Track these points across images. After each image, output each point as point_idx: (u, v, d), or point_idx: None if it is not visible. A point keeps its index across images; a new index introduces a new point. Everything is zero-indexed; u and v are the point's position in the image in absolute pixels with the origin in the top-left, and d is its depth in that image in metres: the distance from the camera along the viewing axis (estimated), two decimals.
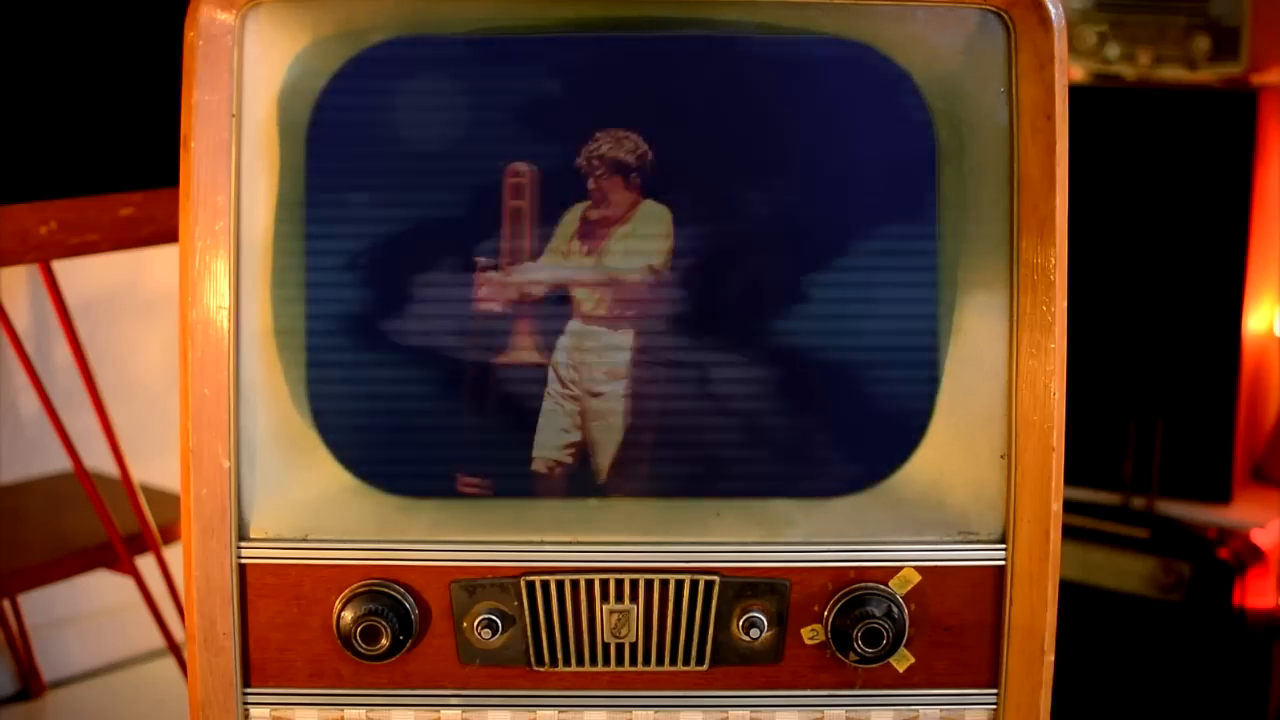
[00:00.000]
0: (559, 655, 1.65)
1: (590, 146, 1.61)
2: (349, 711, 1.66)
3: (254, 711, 1.66)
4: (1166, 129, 3.15)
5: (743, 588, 1.64)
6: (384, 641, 1.62)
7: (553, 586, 1.64)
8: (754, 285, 1.63)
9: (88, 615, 3.49)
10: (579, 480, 1.64)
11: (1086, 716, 3.13)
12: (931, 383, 1.64)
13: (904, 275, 1.64)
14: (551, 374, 1.63)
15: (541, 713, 1.67)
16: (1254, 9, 3.10)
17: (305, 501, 1.64)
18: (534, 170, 1.62)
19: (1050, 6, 1.59)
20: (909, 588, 1.65)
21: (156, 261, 3.45)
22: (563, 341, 1.63)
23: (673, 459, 1.64)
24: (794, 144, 1.63)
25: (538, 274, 1.62)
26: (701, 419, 1.64)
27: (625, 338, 1.63)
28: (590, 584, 1.64)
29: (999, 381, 1.63)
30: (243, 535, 1.63)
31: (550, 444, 1.64)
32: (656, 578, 1.64)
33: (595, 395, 1.63)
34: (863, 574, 1.65)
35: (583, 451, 1.64)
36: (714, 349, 1.64)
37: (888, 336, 1.64)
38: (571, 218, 1.63)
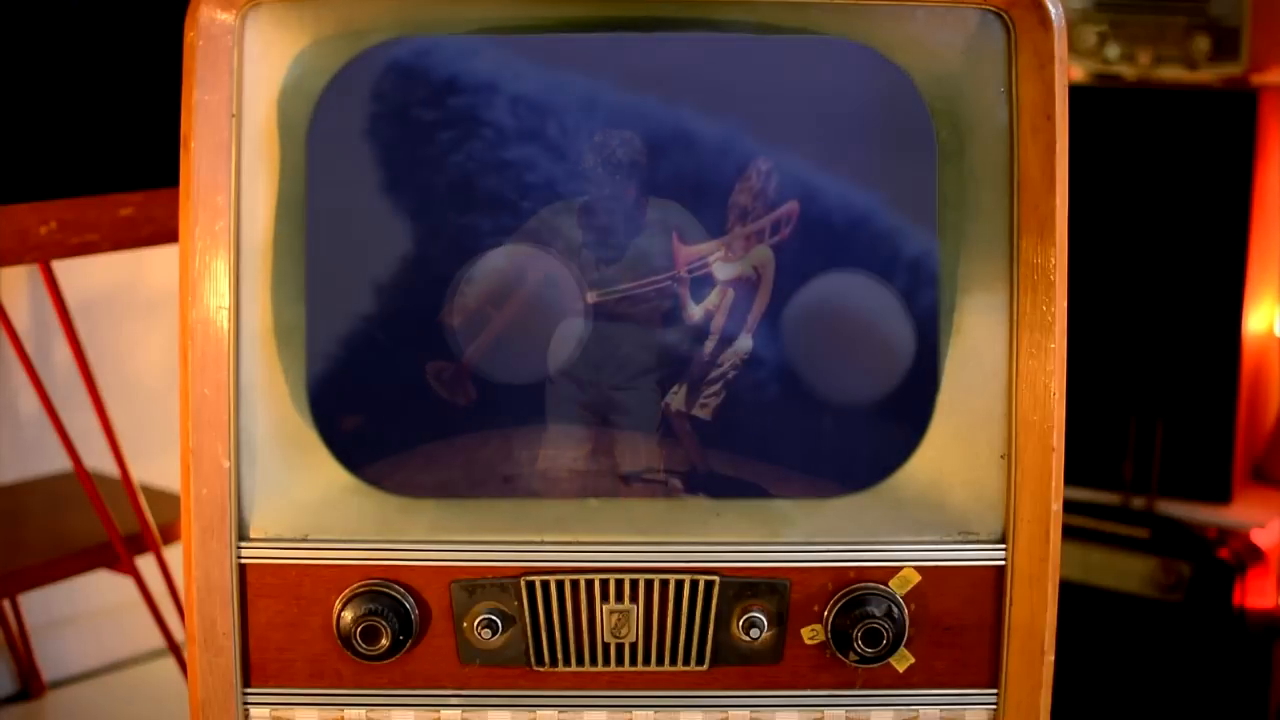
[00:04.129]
0: (559, 655, 1.65)
1: (598, 147, 1.61)
2: (349, 711, 1.66)
3: (254, 711, 1.66)
4: (1166, 129, 3.15)
5: (743, 588, 1.64)
6: (384, 641, 1.62)
7: (553, 586, 1.64)
8: (754, 286, 1.63)
9: (88, 615, 3.49)
10: (582, 480, 1.64)
11: (1086, 716, 3.13)
12: (931, 383, 1.64)
13: (904, 275, 1.64)
14: (565, 371, 1.63)
15: (541, 713, 1.67)
16: (1254, 9, 3.10)
17: (305, 501, 1.64)
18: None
19: (1050, 6, 1.59)
20: (909, 588, 1.65)
21: (156, 261, 3.44)
22: (585, 339, 1.63)
23: (676, 457, 1.64)
24: (793, 144, 1.63)
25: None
26: (702, 418, 1.64)
27: (651, 336, 1.63)
28: (590, 584, 1.64)
29: (999, 381, 1.63)
30: (243, 535, 1.63)
31: (557, 443, 1.64)
32: (656, 578, 1.64)
33: (618, 392, 1.63)
34: (863, 574, 1.65)
35: (589, 451, 1.64)
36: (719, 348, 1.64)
37: (888, 336, 1.64)
38: (565, 217, 1.63)
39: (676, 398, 1.63)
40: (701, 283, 1.63)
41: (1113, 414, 3.22)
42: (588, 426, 1.64)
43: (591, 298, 1.63)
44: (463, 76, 1.62)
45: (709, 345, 1.63)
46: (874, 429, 1.65)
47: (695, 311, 1.62)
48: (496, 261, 1.62)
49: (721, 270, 1.62)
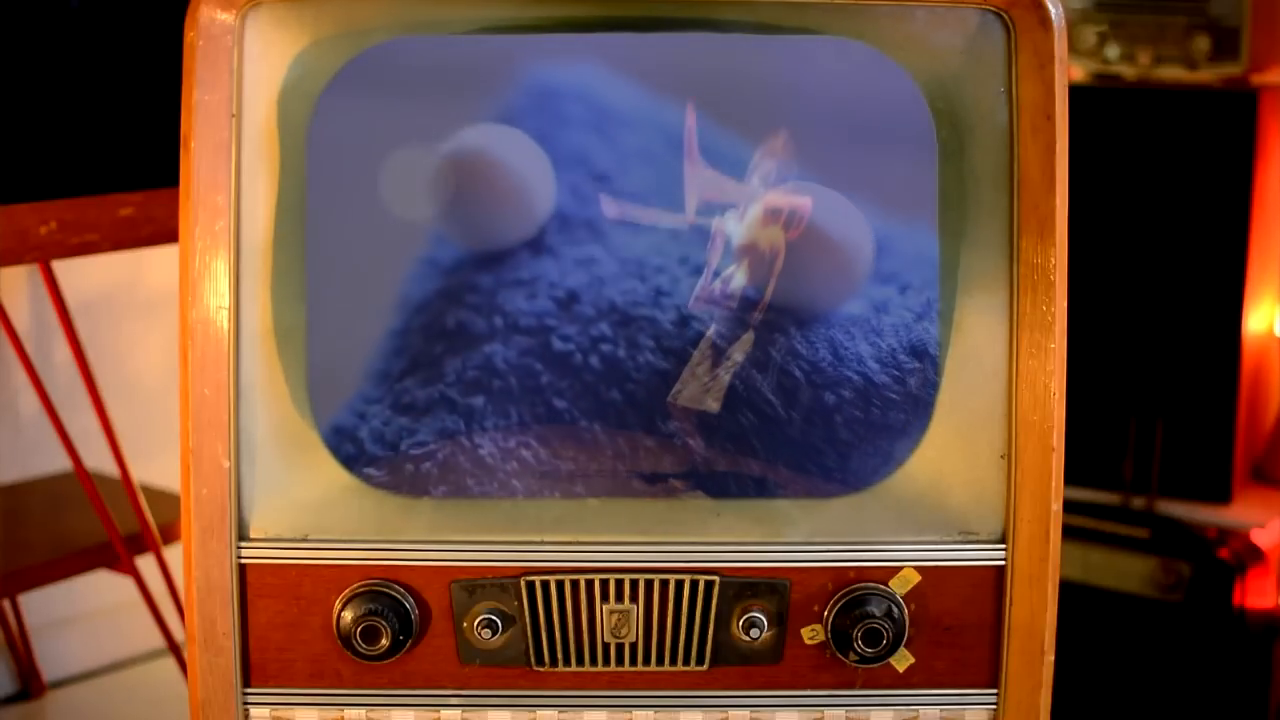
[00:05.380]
0: (559, 655, 1.65)
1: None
2: (349, 711, 1.66)
3: (254, 711, 1.66)
4: (1166, 129, 3.15)
5: (743, 588, 1.64)
6: (384, 641, 1.62)
7: (553, 586, 1.64)
8: (765, 272, 1.63)
9: (88, 615, 3.49)
10: (582, 480, 1.64)
11: (1086, 716, 3.13)
12: (931, 383, 1.64)
13: (904, 275, 1.64)
14: (568, 368, 1.63)
15: (541, 713, 1.67)
16: (1254, 9, 3.10)
17: (305, 501, 1.64)
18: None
19: (1050, 6, 1.59)
20: (909, 588, 1.65)
21: (156, 261, 3.45)
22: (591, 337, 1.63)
23: (677, 457, 1.64)
24: (792, 144, 1.63)
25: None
26: (702, 418, 1.64)
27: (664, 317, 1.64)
28: (590, 584, 1.64)
29: (999, 381, 1.63)
30: (243, 535, 1.63)
31: (556, 443, 1.64)
32: (656, 578, 1.64)
33: (620, 385, 1.63)
34: (863, 574, 1.65)
35: (589, 451, 1.64)
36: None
37: (888, 336, 1.64)
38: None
39: (681, 394, 1.63)
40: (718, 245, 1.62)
41: (1113, 414, 3.22)
42: (588, 425, 1.64)
43: (610, 209, 1.62)
44: (462, 77, 1.62)
45: (715, 337, 1.63)
46: (874, 429, 1.65)
47: (715, 285, 1.62)
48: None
49: (736, 232, 1.61)
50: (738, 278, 1.61)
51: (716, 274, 1.62)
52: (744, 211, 1.61)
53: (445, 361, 1.63)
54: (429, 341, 1.63)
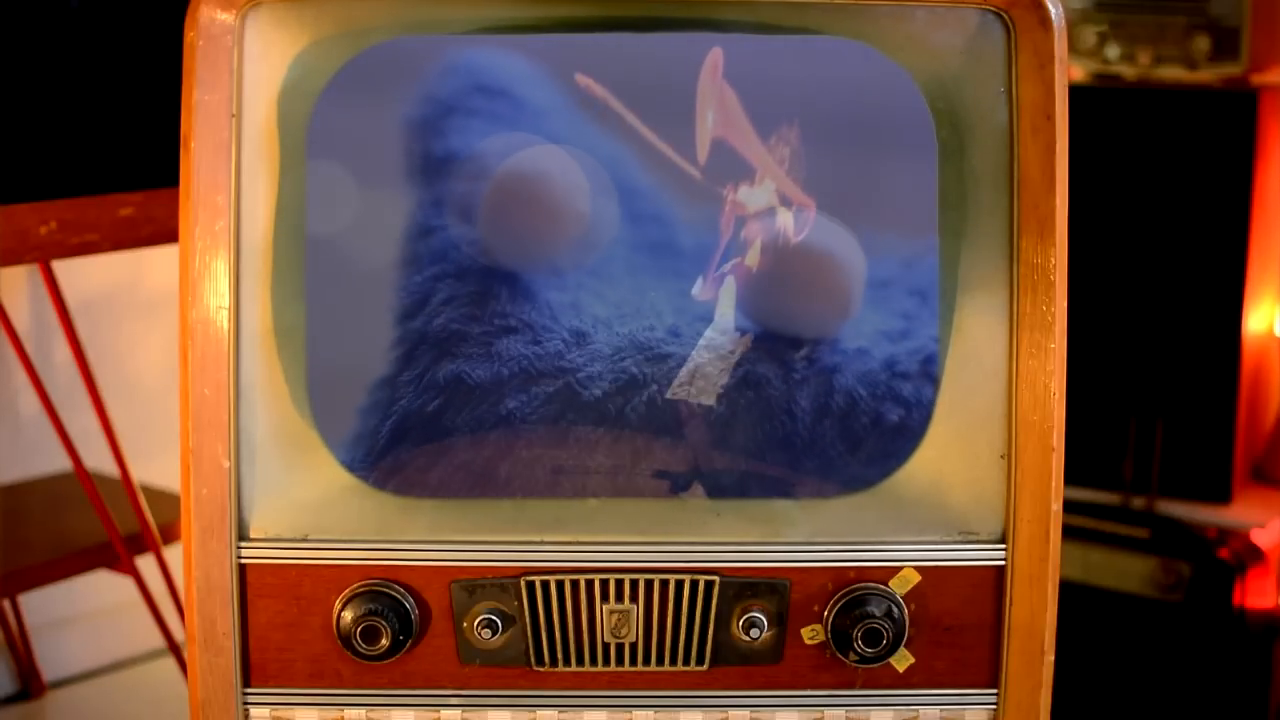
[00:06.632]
0: (559, 655, 1.65)
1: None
2: (349, 711, 1.66)
3: (254, 711, 1.66)
4: (1166, 129, 3.15)
5: (743, 588, 1.64)
6: (384, 641, 1.62)
7: (553, 586, 1.64)
8: (752, 286, 1.63)
9: (88, 615, 3.49)
10: (582, 480, 1.64)
11: (1086, 716, 3.13)
12: (931, 383, 1.64)
13: (904, 275, 1.64)
14: (572, 369, 1.63)
15: (541, 713, 1.67)
16: (1254, 9, 3.10)
17: (305, 501, 1.64)
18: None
19: (1050, 6, 1.59)
20: (909, 588, 1.65)
21: (156, 261, 3.45)
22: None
23: (677, 457, 1.64)
24: (793, 144, 1.63)
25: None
26: (702, 418, 1.64)
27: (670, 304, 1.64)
28: (590, 584, 1.64)
29: (999, 381, 1.63)
30: (243, 535, 1.63)
31: (556, 443, 1.64)
32: (656, 578, 1.64)
33: (622, 377, 1.64)
34: (863, 574, 1.65)
35: (590, 450, 1.64)
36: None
37: (888, 336, 1.64)
38: None
39: (681, 390, 1.63)
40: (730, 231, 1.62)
41: (1113, 414, 3.22)
42: (588, 425, 1.64)
43: (591, 88, 1.61)
44: (462, 76, 1.62)
45: (721, 328, 1.63)
46: (874, 429, 1.65)
47: (725, 268, 1.62)
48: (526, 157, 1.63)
49: (748, 197, 1.61)
50: (747, 262, 1.61)
51: (725, 258, 1.62)
52: (760, 179, 1.60)
53: (450, 362, 1.63)
54: (434, 344, 1.63)
